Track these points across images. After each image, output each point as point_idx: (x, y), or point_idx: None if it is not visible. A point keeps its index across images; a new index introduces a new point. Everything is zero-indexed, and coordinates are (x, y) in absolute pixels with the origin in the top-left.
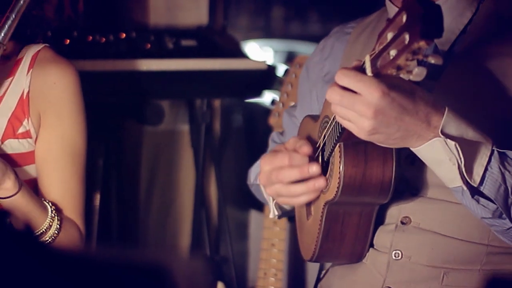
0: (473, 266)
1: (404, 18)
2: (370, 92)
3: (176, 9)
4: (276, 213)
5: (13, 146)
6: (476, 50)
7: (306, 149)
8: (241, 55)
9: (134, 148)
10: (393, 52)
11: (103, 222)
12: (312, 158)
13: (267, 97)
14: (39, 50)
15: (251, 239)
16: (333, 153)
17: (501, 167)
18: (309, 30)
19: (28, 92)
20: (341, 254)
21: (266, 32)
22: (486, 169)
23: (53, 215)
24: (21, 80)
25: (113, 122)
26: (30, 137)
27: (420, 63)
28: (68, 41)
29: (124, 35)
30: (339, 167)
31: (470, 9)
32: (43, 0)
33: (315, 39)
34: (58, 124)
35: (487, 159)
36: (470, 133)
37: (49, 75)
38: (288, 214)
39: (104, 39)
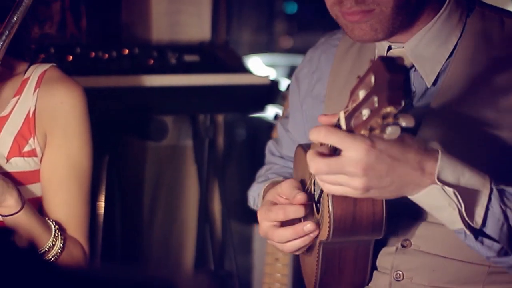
0: (475, 286)
1: (373, 80)
2: (355, 149)
3: (179, 25)
4: None
5: (18, 164)
6: (465, 75)
7: (300, 198)
8: (244, 70)
9: (137, 164)
10: (365, 112)
11: (107, 238)
12: (308, 206)
13: (270, 112)
14: (46, 70)
15: (255, 253)
16: (323, 194)
17: (501, 205)
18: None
19: (35, 110)
20: (341, 286)
21: (268, 47)
22: (487, 209)
23: (57, 234)
24: (27, 99)
25: (116, 138)
26: (36, 156)
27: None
28: (71, 57)
29: (127, 51)
30: (328, 210)
31: (455, 33)
32: (45, 17)
33: None
34: (64, 143)
35: (487, 199)
36: (467, 174)
37: (56, 95)
38: None
39: (107, 55)
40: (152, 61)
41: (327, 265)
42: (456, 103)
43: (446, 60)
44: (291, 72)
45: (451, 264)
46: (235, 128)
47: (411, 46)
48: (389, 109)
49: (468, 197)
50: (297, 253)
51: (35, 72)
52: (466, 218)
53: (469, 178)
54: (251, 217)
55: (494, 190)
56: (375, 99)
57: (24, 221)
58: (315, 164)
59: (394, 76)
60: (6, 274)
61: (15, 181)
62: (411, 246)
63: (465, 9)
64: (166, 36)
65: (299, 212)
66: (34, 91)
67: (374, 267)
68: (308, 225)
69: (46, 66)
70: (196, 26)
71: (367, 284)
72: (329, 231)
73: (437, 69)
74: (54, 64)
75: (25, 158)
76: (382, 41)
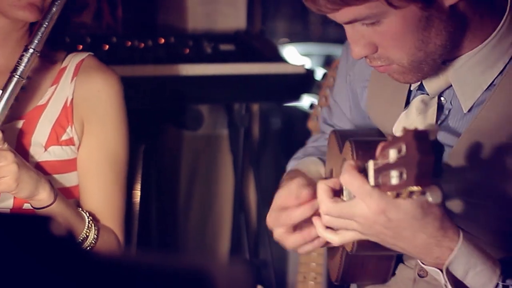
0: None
1: (404, 149)
2: (368, 206)
3: (214, 14)
4: None
5: (56, 153)
6: (504, 105)
7: (305, 195)
8: (279, 59)
9: (173, 153)
10: (393, 174)
11: (143, 227)
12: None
13: (305, 101)
14: (83, 59)
15: None
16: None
17: None
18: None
19: (72, 99)
20: (364, 278)
21: (304, 36)
22: None
23: (90, 225)
24: (65, 88)
25: (152, 128)
26: (73, 144)
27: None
28: (107, 46)
29: (162, 40)
30: None
31: (503, 59)
32: (81, 7)
33: None
34: (100, 132)
35: None
36: (478, 267)
37: (93, 83)
38: None
39: (142, 44)
40: (187, 50)
41: (351, 261)
42: (493, 131)
43: (488, 87)
44: (326, 61)
45: None
46: (270, 117)
47: (455, 67)
48: (415, 188)
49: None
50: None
51: (72, 61)
52: None
53: (479, 271)
54: None
55: (500, 286)
56: (404, 171)
57: (57, 213)
58: (326, 207)
59: (424, 158)
60: (45, 262)
61: (54, 170)
62: None
63: None
64: (201, 25)
65: (305, 213)
66: (72, 80)
67: (400, 260)
68: (313, 232)
69: (83, 55)
70: (232, 15)
71: (390, 278)
72: (352, 246)
73: (477, 95)
74: (91, 53)
75: (63, 147)
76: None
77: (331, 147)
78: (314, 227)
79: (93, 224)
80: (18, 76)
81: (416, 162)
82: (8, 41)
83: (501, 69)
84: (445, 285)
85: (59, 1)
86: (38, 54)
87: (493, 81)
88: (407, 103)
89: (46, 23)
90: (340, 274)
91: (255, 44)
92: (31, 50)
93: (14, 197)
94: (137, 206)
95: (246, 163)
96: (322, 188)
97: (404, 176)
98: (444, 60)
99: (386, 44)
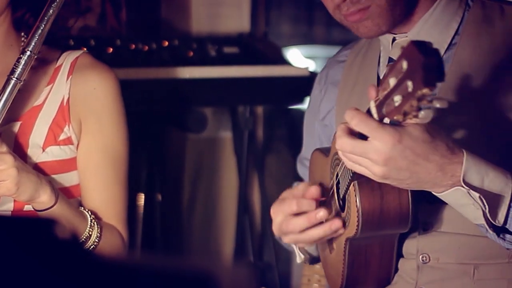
0: (501, 260)
1: (405, 66)
2: (383, 141)
3: (218, 16)
4: (303, 257)
5: (54, 153)
6: (471, 61)
7: (313, 191)
8: (283, 61)
9: (177, 156)
10: (397, 99)
11: (147, 229)
12: (323, 201)
13: None
14: (77, 57)
15: None
16: (348, 190)
17: None
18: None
19: (68, 98)
20: (368, 282)
21: (308, 39)
22: (509, 208)
23: (93, 224)
24: (61, 87)
25: (156, 130)
26: (72, 144)
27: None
28: (111, 49)
29: (166, 43)
30: (356, 205)
31: (455, 19)
32: (84, 10)
33: None
34: (98, 129)
35: (509, 198)
36: (490, 174)
37: (88, 81)
38: (317, 261)
39: (146, 47)
40: (191, 53)
41: (354, 262)
42: (465, 89)
43: (448, 46)
44: None
45: (475, 240)
46: (274, 119)
47: (414, 34)
48: (424, 90)
49: (492, 199)
50: (320, 241)
51: (67, 59)
52: (490, 219)
53: (493, 178)
54: None
55: None
56: (409, 83)
57: (59, 215)
58: (341, 141)
59: (428, 59)
60: (48, 265)
61: (53, 170)
62: (432, 228)
63: None
64: (205, 28)
65: (311, 205)
66: (67, 78)
67: (400, 256)
68: (321, 212)
69: (77, 52)
70: (236, 18)
71: (392, 280)
72: (357, 226)
73: (441, 54)
74: (85, 50)
75: (61, 147)
76: (386, 33)
77: (316, 163)
78: (321, 210)
79: (95, 223)
80: (15, 79)
81: (421, 64)
82: None
83: (456, 28)
84: (469, 193)
85: (55, 3)
86: (36, 56)
87: (451, 41)
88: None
89: (43, 25)
90: (345, 279)
91: (259, 46)
92: (28, 53)
93: (15, 200)
94: (141, 209)
95: (250, 165)
96: (341, 127)
97: (410, 88)
98: (404, 32)
99: None
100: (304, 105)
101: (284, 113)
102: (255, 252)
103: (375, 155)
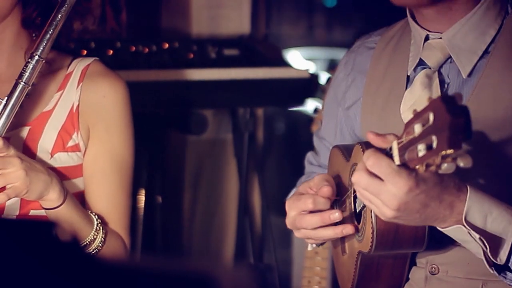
0: None
1: (431, 118)
2: (397, 186)
3: (218, 18)
4: (314, 245)
5: (62, 160)
6: (504, 72)
7: (327, 191)
8: (283, 63)
9: (177, 157)
10: (421, 148)
11: (148, 232)
12: (336, 201)
13: (309, 106)
14: (89, 64)
15: (295, 247)
16: (366, 207)
17: None
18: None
19: (78, 105)
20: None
21: (308, 40)
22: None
23: (98, 228)
24: (71, 94)
25: (157, 132)
26: (79, 151)
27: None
28: (111, 51)
29: (167, 45)
30: (371, 223)
31: (493, 26)
32: (84, 13)
33: None
34: (106, 137)
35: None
36: (494, 212)
37: (99, 89)
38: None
39: (147, 49)
40: (192, 55)
41: (365, 273)
42: (494, 98)
43: (483, 53)
44: (330, 65)
45: None
46: (274, 121)
47: (449, 36)
48: (449, 151)
49: (493, 239)
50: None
51: (78, 66)
52: (491, 258)
53: (496, 216)
54: None
55: None
56: (434, 138)
57: (66, 214)
58: (358, 175)
59: (456, 120)
60: (48, 267)
61: (60, 176)
62: (444, 240)
63: (504, 5)
64: (205, 30)
65: (327, 205)
66: (78, 85)
67: (413, 264)
68: (336, 214)
69: (89, 60)
70: (236, 20)
71: (406, 282)
72: (371, 245)
73: (473, 60)
74: (96, 58)
75: (69, 153)
76: (425, 7)
77: (334, 160)
78: (336, 211)
79: (101, 227)
80: (23, 83)
81: (448, 124)
82: (1, 44)
83: (493, 36)
84: (469, 233)
85: (64, 8)
86: (44, 61)
87: (487, 49)
88: (407, 84)
89: (51, 30)
90: (355, 285)
91: (259, 48)
92: (36, 57)
93: (20, 204)
94: (141, 211)
95: (251, 167)
96: (362, 162)
97: (434, 144)
98: (440, 32)
99: None
100: (304, 107)
101: (285, 115)
102: (256, 253)
103: (388, 198)
